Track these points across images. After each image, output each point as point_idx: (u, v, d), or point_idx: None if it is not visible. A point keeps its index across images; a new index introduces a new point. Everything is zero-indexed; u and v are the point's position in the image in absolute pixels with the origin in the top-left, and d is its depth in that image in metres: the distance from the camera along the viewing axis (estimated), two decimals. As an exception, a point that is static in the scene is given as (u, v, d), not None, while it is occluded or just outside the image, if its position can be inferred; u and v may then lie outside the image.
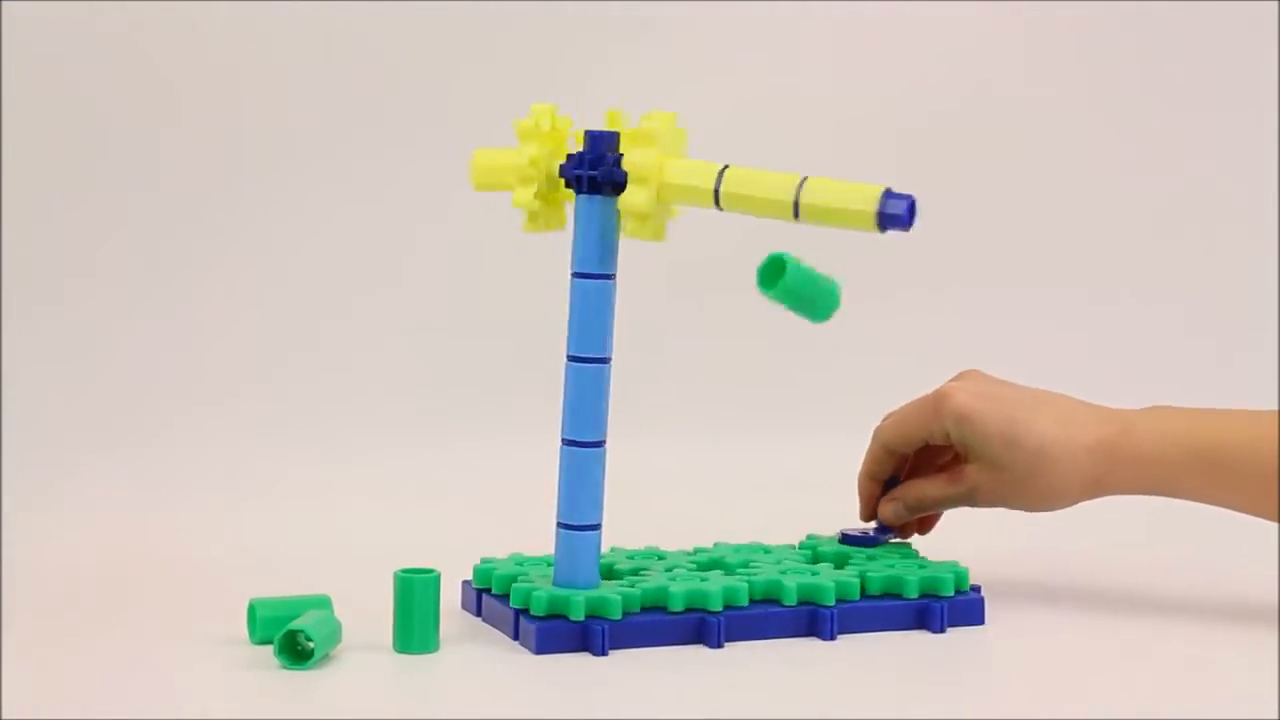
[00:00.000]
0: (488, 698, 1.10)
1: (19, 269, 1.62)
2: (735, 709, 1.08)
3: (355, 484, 1.56)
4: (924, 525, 1.32)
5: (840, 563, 1.26)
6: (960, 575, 1.23)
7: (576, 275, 1.17)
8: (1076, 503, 1.26)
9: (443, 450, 1.62)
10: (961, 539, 1.33)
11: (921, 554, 1.28)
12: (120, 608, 1.23)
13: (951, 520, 1.33)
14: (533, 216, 1.19)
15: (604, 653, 1.14)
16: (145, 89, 1.67)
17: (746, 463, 1.65)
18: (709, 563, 1.25)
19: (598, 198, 1.16)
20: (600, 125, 1.17)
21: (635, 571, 1.21)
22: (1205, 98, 1.88)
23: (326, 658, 1.12)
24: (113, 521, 1.45)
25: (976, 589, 1.24)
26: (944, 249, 1.82)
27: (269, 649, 1.12)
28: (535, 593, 1.15)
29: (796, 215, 1.09)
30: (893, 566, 1.24)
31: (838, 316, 1.11)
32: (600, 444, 1.17)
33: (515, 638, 1.17)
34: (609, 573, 1.21)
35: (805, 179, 1.09)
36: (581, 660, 1.14)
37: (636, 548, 1.27)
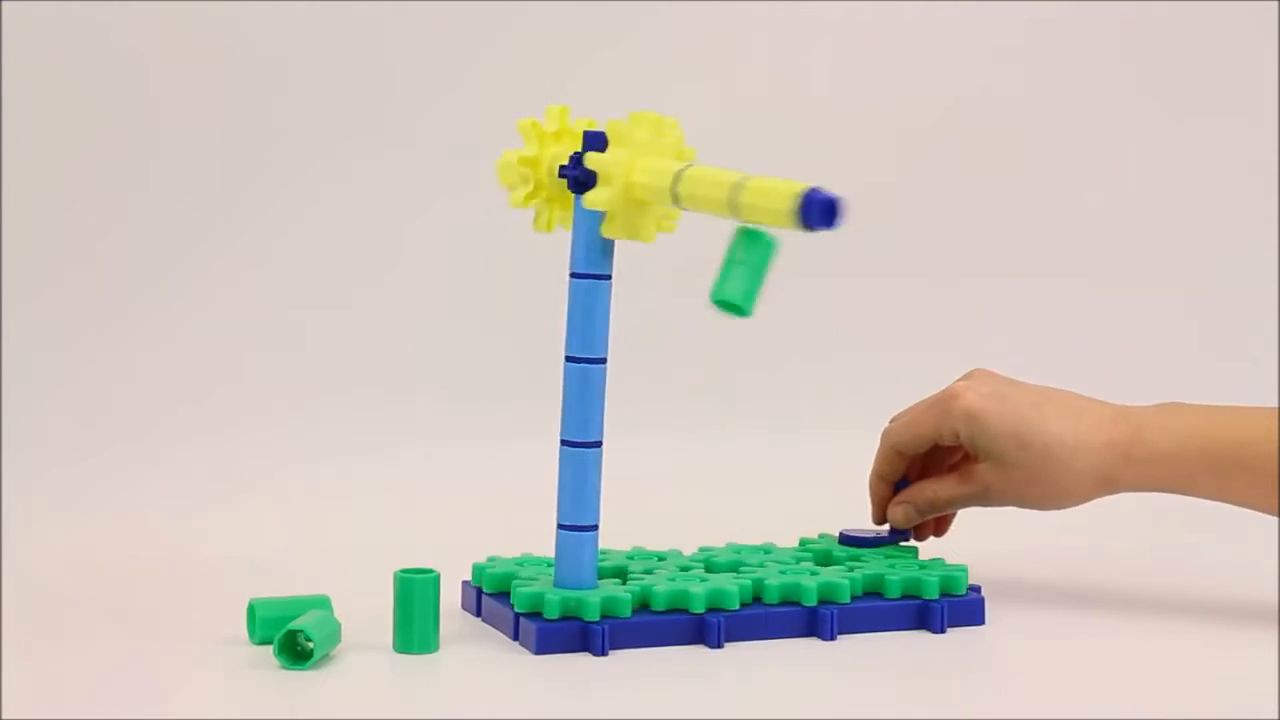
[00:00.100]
0: (488, 698, 1.10)
1: (18, 268, 1.62)
2: (735, 709, 1.08)
3: (355, 484, 1.56)
4: (940, 527, 1.32)
5: (840, 563, 1.26)
6: (960, 575, 1.22)
7: (574, 275, 1.17)
8: (1089, 501, 1.26)
9: (443, 450, 1.62)
10: (962, 539, 1.33)
11: (921, 554, 1.28)
12: (120, 608, 1.23)
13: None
14: (538, 215, 1.19)
15: (604, 653, 1.14)
16: (145, 88, 1.67)
17: (746, 463, 1.65)
18: (709, 563, 1.25)
19: (593, 198, 1.16)
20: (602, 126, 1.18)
21: (635, 571, 1.21)
22: (1205, 97, 1.88)
23: (326, 658, 1.12)
24: (113, 521, 1.45)
25: (976, 589, 1.24)
26: (943, 249, 1.82)
27: (269, 649, 1.12)
28: (547, 595, 1.15)
29: (736, 214, 1.09)
30: (893, 567, 1.24)
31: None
32: (598, 445, 1.17)
33: (515, 638, 1.17)
34: (609, 573, 1.21)
35: (746, 179, 1.08)
36: (581, 660, 1.14)
37: (636, 548, 1.27)
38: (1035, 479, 1.24)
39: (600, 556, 1.20)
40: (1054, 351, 1.77)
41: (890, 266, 1.80)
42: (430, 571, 1.14)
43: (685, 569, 1.23)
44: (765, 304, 1.10)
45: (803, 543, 1.31)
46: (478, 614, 1.22)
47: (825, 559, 1.27)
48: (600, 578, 1.20)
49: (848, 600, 1.19)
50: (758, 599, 1.19)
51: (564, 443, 1.17)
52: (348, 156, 1.72)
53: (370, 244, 1.72)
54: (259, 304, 1.68)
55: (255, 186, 1.70)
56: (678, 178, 1.11)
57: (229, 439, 1.61)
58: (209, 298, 1.67)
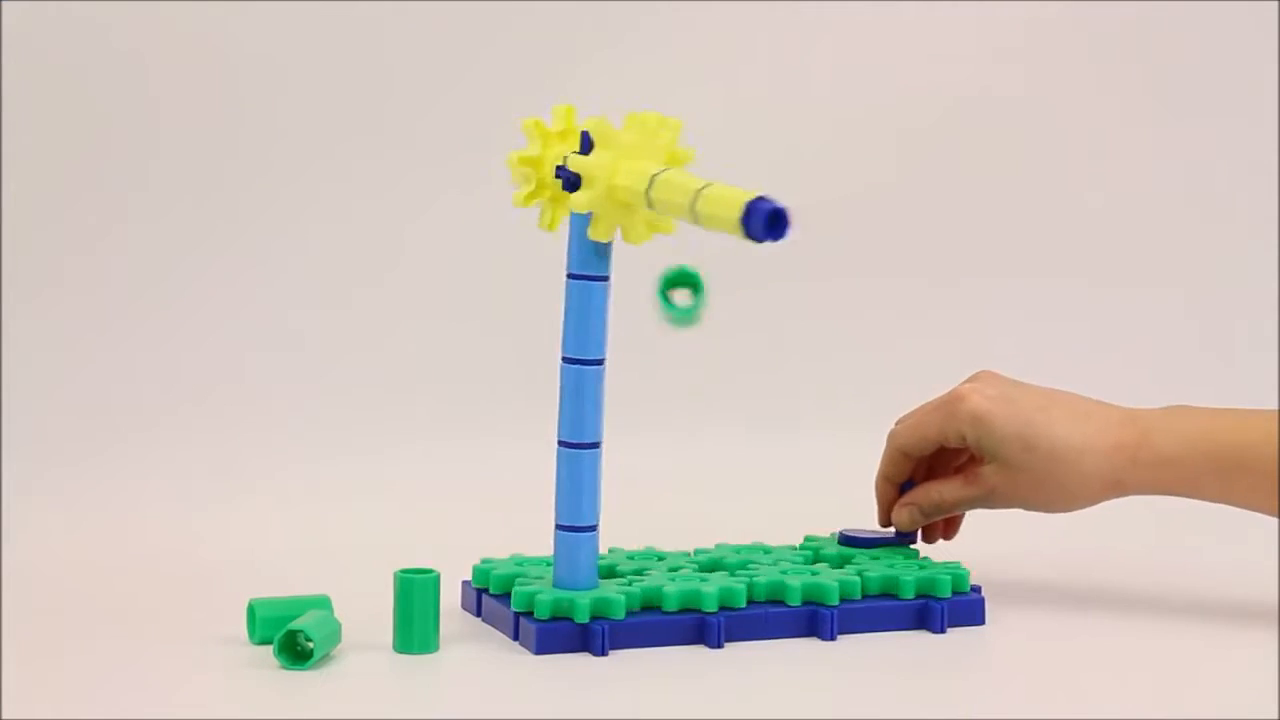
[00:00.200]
0: (488, 698, 1.09)
1: (18, 268, 1.61)
2: (735, 709, 1.08)
3: (355, 484, 1.56)
4: (949, 529, 1.32)
5: (840, 563, 1.26)
6: (960, 576, 1.22)
7: (571, 276, 1.17)
8: (1095, 504, 1.26)
9: (443, 450, 1.62)
10: (962, 539, 1.33)
11: (922, 554, 1.28)
12: (120, 608, 1.23)
13: (951, 520, 1.34)
14: (542, 214, 1.19)
15: (604, 653, 1.14)
16: (145, 88, 1.67)
17: (746, 463, 1.65)
18: (709, 563, 1.25)
19: (587, 198, 1.16)
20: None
21: (635, 572, 1.21)
22: (1205, 97, 1.87)
23: (326, 658, 1.12)
24: (113, 521, 1.45)
25: (976, 589, 1.23)
26: (943, 249, 1.82)
27: (269, 649, 1.12)
28: (539, 596, 1.15)
29: (697, 222, 1.08)
30: (893, 566, 1.24)
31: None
32: (596, 445, 1.17)
33: (515, 638, 1.17)
34: (610, 573, 1.21)
35: (706, 187, 1.08)
36: (581, 660, 1.14)
37: (636, 548, 1.27)
38: (1041, 482, 1.24)
39: (604, 556, 1.20)
40: (1054, 351, 1.76)
41: (890, 266, 1.80)
42: (430, 571, 1.14)
43: (679, 568, 1.22)
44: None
45: (807, 540, 1.31)
46: (478, 614, 1.22)
47: (825, 559, 1.27)
48: (605, 577, 1.20)
49: (836, 602, 1.19)
50: (752, 601, 1.19)
51: (561, 443, 1.17)
52: (348, 156, 1.72)
53: (370, 244, 1.72)
54: (259, 304, 1.68)
55: (255, 186, 1.70)
56: (652, 182, 1.11)
57: (229, 439, 1.60)
58: (209, 298, 1.67)
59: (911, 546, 1.29)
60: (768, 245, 1.04)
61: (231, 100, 1.69)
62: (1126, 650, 1.19)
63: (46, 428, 1.57)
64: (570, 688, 1.10)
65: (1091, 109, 1.86)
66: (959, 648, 1.19)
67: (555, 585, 1.17)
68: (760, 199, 1.03)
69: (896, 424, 1.30)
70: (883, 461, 1.30)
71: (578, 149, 1.16)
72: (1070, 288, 1.84)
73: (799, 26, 1.81)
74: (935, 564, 1.25)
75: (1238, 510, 1.25)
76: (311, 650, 1.10)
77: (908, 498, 1.29)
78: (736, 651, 1.16)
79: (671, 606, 1.16)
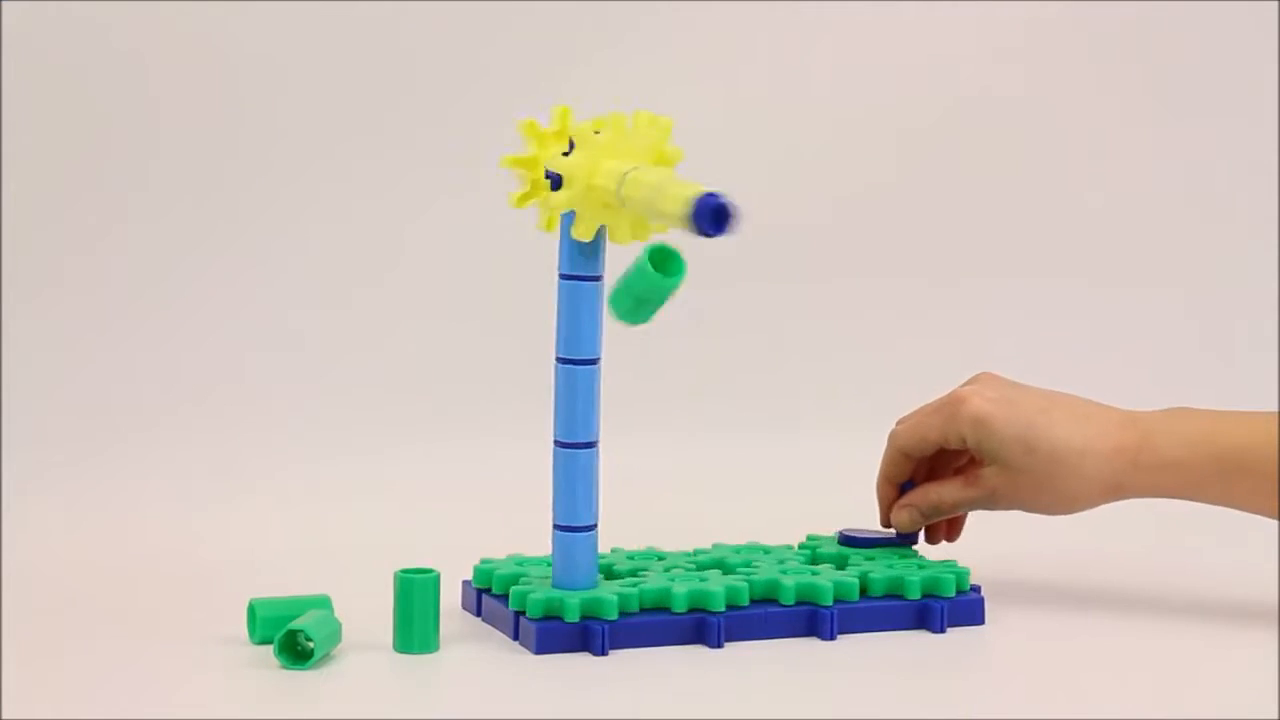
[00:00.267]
0: (488, 698, 1.09)
1: (18, 268, 1.62)
2: (735, 709, 1.08)
3: (355, 484, 1.56)
4: (952, 531, 1.32)
5: (840, 563, 1.26)
6: (960, 576, 1.22)
7: (564, 277, 1.17)
8: (1096, 506, 1.26)
9: (442, 450, 1.62)
10: (962, 539, 1.32)
11: (922, 554, 1.28)
12: (120, 608, 1.23)
13: (951, 520, 1.34)
14: (542, 214, 1.19)
15: (604, 653, 1.14)
16: (145, 88, 1.67)
17: (746, 463, 1.65)
18: (709, 563, 1.25)
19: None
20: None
21: (635, 571, 1.21)
22: (1205, 97, 1.88)
23: (326, 658, 1.12)
24: (113, 521, 1.45)
25: (976, 589, 1.23)
26: (943, 249, 1.82)
27: (269, 649, 1.12)
28: (531, 595, 1.15)
29: (656, 218, 1.09)
30: (893, 567, 1.23)
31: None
32: (592, 445, 1.17)
33: (515, 638, 1.17)
34: (609, 573, 1.21)
35: (664, 183, 1.08)
36: (581, 660, 1.14)
37: (636, 548, 1.27)
38: (1042, 485, 1.24)
39: (604, 556, 1.20)
40: (1054, 351, 1.76)
41: (890, 266, 1.80)
42: (430, 571, 1.14)
43: (676, 568, 1.22)
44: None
45: (808, 540, 1.31)
46: (478, 614, 1.22)
47: (826, 559, 1.27)
48: (608, 577, 1.20)
49: (830, 602, 1.19)
50: (756, 599, 1.19)
51: (556, 443, 1.17)
52: (348, 156, 1.72)
53: (370, 244, 1.72)
54: (259, 304, 1.68)
55: (255, 186, 1.70)
56: (622, 180, 1.11)
57: (229, 439, 1.60)
58: (209, 298, 1.67)
59: (912, 548, 1.29)
60: (715, 239, 1.05)
61: (231, 100, 1.69)
62: (1126, 650, 1.19)
63: (46, 428, 1.57)
64: (570, 688, 1.10)
65: (1091, 109, 1.86)
66: (959, 648, 1.19)
67: (554, 585, 1.17)
68: (708, 194, 1.04)
69: (897, 424, 1.30)
70: (883, 462, 1.30)
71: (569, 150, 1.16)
72: (1070, 288, 1.84)
73: (799, 26, 1.81)
74: (934, 563, 1.25)
75: (1238, 512, 1.25)
76: (312, 650, 1.10)
77: (907, 499, 1.29)
78: (736, 651, 1.16)
79: (680, 607, 1.16)
